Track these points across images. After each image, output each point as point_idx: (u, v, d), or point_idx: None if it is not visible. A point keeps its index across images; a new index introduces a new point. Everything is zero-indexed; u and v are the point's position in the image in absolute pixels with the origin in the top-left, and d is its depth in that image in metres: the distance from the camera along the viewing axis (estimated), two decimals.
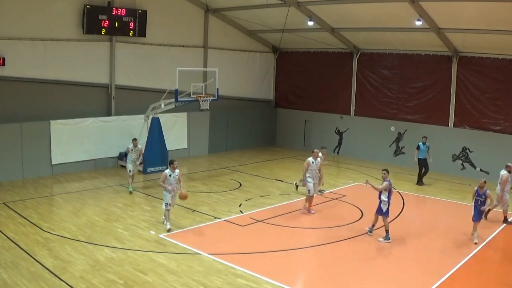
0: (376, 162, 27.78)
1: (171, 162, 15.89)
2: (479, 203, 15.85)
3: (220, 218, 17.01)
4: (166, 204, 15.66)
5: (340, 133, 31.39)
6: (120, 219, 16.65)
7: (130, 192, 20.01)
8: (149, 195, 19.95)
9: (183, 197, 15.91)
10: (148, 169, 23.59)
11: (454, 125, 27.09)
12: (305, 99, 32.87)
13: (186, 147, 28.21)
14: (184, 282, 11.77)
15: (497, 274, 13.38)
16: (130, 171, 20.26)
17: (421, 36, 25.54)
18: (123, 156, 24.60)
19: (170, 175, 15.67)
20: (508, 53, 24.74)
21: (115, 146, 24.88)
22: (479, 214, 15.94)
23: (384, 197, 15.36)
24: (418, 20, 22.85)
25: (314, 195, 18.61)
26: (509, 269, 13.64)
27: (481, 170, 25.20)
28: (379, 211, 15.51)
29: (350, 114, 31.15)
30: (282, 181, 23.36)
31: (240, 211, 18.15)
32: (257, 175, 24.35)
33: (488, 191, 15.76)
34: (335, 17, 26.78)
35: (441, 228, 17.29)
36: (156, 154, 23.87)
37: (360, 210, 18.72)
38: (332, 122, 31.61)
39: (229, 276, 12.29)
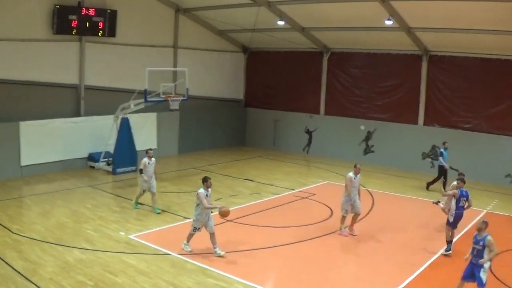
0: (346, 160, 28.10)
1: (206, 180, 13.85)
2: (475, 253, 11.13)
3: (190, 218, 16.90)
4: (195, 228, 13.97)
5: (309, 132, 31.68)
6: (89, 220, 16.66)
7: (158, 213, 17.66)
8: (118, 196, 20.01)
9: (225, 214, 14.16)
10: (117, 170, 23.57)
11: (424, 124, 27.57)
12: (275, 99, 33.07)
13: (156, 147, 27.98)
14: (154, 283, 11.88)
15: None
16: (144, 190, 17.90)
17: (392, 35, 25.92)
18: (93, 157, 24.67)
19: (207, 195, 13.83)
20: (478, 52, 25.19)
21: (85, 147, 24.78)
22: (471, 271, 11.24)
23: (452, 206, 14.72)
24: (389, 19, 23.13)
25: None
26: None
27: (451, 168, 25.65)
28: (448, 222, 14.77)
29: (320, 113, 31.45)
30: (252, 180, 23.55)
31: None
32: (227, 175, 24.49)
33: (489, 238, 11.03)
34: (306, 17, 27.05)
35: (411, 225, 17.62)
36: (125, 155, 23.87)
37: (330, 209, 18.98)
38: (301, 121, 31.93)
39: (200, 276, 12.44)
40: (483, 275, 10.96)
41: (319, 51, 31.02)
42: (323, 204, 19.80)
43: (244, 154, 30.78)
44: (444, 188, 20.80)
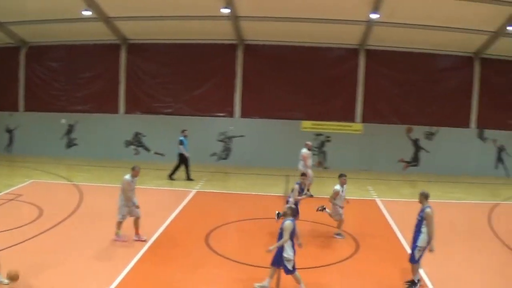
0: (51, 156, 28.06)
1: None
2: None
3: None
4: None
5: (10, 131, 30.73)
6: None
7: None
8: None
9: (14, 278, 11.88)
10: None
11: (126, 112, 28.69)
12: None
13: None
14: None
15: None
16: None
17: (90, 26, 26.33)
18: None
19: None
20: (174, 38, 26.86)
21: None
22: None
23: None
24: (86, 10, 23.42)
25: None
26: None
27: (155, 153, 26.83)
28: None
29: (19, 111, 30.65)
30: None
31: None
32: None
33: (286, 222, 11.00)
34: (2, 10, 25.79)
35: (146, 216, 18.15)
36: None
37: (39, 208, 18.77)
38: (2, 120, 30.84)
39: None
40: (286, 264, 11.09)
41: (16, 46, 30.15)
42: (32, 204, 19.37)
43: None
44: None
